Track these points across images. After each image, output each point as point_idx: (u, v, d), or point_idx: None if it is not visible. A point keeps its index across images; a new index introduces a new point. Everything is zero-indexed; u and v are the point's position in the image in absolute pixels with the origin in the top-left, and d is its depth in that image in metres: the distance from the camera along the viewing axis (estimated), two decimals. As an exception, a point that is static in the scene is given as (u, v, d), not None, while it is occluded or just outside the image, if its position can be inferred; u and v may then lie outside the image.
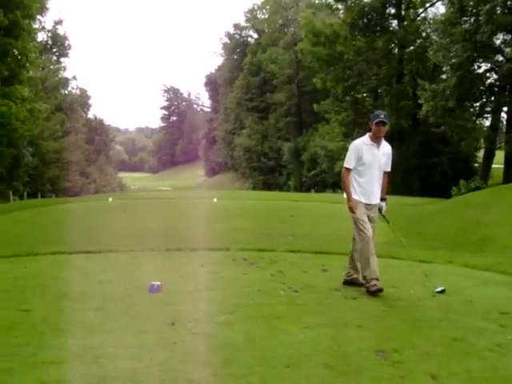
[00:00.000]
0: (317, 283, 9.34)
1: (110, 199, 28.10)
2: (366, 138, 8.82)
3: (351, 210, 8.72)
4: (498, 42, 41.91)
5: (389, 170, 9.08)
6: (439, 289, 8.78)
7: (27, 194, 49.79)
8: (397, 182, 46.54)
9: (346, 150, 38.43)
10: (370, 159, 8.69)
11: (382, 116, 8.68)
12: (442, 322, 7.26)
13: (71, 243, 14.06)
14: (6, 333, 6.51)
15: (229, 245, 13.02)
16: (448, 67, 40.42)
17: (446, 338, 6.58)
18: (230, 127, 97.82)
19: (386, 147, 8.93)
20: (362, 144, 8.76)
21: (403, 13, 52.63)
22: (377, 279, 8.61)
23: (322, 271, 10.46)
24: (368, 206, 8.86)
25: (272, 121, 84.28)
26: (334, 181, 62.04)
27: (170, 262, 11.07)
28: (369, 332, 6.76)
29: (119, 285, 9.01)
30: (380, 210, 9.15)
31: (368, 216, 8.84)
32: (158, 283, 8.45)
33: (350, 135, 53.19)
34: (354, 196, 8.76)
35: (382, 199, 9.12)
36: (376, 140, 8.71)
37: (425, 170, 46.68)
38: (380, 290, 8.52)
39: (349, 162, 8.75)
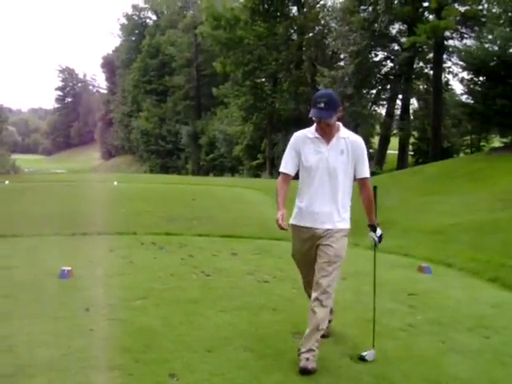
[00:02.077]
0: (228, 267, 9.37)
1: (7, 182, 27.19)
2: (312, 129, 5.53)
3: (279, 223, 5.41)
4: (394, 32, 43.13)
5: (364, 175, 5.59)
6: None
7: None
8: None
9: (244, 134, 38.09)
10: (312, 160, 5.47)
11: (322, 104, 5.26)
12: (354, 304, 7.44)
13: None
14: None
15: (135, 229, 12.86)
16: (346, 55, 41.20)
17: (359, 320, 6.75)
18: (128, 110, 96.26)
19: (345, 141, 5.49)
20: (303, 137, 5.57)
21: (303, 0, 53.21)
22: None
23: (231, 255, 10.50)
24: (311, 232, 5.56)
25: (170, 104, 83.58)
26: (232, 165, 62.37)
27: (78, 247, 10.84)
28: (284, 315, 6.85)
29: (27, 270, 8.73)
30: (373, 241, 5.95)
31: (317, 246, 5.57)
32: (69, 268, 8.27)
33: (249, 119, 53.50)
34: (292, 217, 5.73)
35: (370, 226, 5.81)
36: (323, 131, 5.44)
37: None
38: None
39: (283, 162, 5.61)
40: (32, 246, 10.95)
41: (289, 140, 5.65)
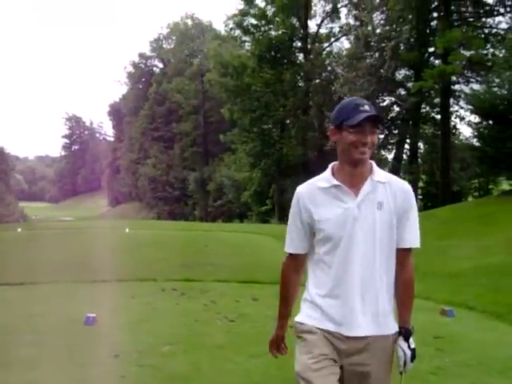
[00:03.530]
0: (251, 312, 9.37)
1: (19, 229, 27.30)
2: (327, 174, 3.41)
3: (271, 349, 4.10)
4: (400, 77, 43.52)
5: (411, 244, 3.36)
6: None
7: None
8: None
9: (252, 180, 37.73)
10: (331, 223, 3.29)
11: (367, 106, 3.21)
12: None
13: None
14: None
15: (154, 275, 12.89)
16: (354, 100, 41.46)
17: (388, 365, 6.71)
18: (135, 157, 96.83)
19: (384, 188, 3.33)
20: (311, 190, 3.39)
21: (309, 46, 53.81)
22: None
23: (252, 300, 10.49)
24: (335, 341, 3.32)
25: (177, 150, 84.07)
26: (240, 211, 62.37)
27: (99, 294, 10.88)
28: (313, 360, 6.81)
29: (52, 317, 8.77)
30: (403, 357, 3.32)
31: (342, 367, 3.33)
32: (94, 315, 8.28)
33: (257, 165, 53.68)
34: (302, 315, 3.50)
35: (403, 330, 3.38)
36: (350, 173, 3.32)
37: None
38: None
39: (287, 238, 3.55)
40: (52, 293, 10.99)
41: (295, 190, 3.40)
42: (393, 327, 3.28)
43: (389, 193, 3.26)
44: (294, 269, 3.47)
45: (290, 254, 3.47)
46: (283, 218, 49.52)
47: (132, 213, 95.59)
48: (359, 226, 3.19)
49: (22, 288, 11.55)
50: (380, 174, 3.31)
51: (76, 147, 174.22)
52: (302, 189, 3.41)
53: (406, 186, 3.35)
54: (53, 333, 7.80)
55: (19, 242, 22.77)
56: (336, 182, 3.23)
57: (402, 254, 3.29)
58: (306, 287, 3.43)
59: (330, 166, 3.38)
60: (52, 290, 11.20)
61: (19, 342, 7.34)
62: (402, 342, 3.30)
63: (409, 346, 3.27)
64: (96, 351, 6.96)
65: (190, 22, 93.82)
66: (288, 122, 54.78)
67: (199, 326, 8.31)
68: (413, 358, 3.29)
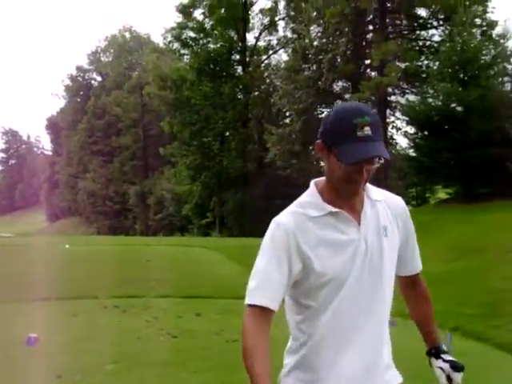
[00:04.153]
0: (194, 328, 9.38)
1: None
2: (314, 198, 2.46)
3: None
4: (338, 89, 44.17)
5: (419, 267, 2.81)
6: None
7: None
8: (244, 225, 47.41)
9: (192, 193, 37.59)
10: (338, 269, 2.38)
11: (369, 129, 2.26)
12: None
13: None
14: None
15: (96, 292, 12.76)
16: (293, 112, 41.93)
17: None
18: (74, 171, 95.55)
19: (383, 208, 2.56)
20: (302, 224, 2.39)
21: (248, 59, 54.13)
22: None
23: (195, 315, 10.49)
24: None
25: (117, 164, 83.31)
26: (181, 224, 62.11)
27: (40, 313, 10.70)
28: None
29: (-10, 338, 8.62)
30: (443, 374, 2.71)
31: None
32: (35, 335, 8.18)
33: (197, 178, 53.63)
34: (291, 379, 2.60)
35: (433, 350, 2.79)
36: (348, 199, 2.44)
37: (271, 212, 47.15)
38: None
39: (253, 284, 2.43)
40: (-8, 313, 10.79)
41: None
42: (399, 376, 2.67)
43: (389, 213, 2.55)
44: (259, 326, 2.39)
45: (258, 308, 2.37)
46: (224, 230, 49.63)
47: (71, 228, 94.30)
48: (367, 262, 2.41)
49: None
50: (375, 191, 2.56)
51: (13, 161, 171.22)
52: (287, 221, 2.39)
53: (401, 200, 2.69)
54: (-7, 355, 7.68)
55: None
56: (333, 209, 2.38)
57: (415, 278, 2.79)
58: (292, 334, 2.60)
59: (313, 183, 2.50)
60: (-9, 311, 11.01)
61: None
62: (435, 362, 2.74)
63: (444, 360, 2.72)
64: (39, 372, 6.88)
65: (128, 34, 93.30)
66: (228, 134, 54.90)
67: (142, 344, 8.28)
68: (456, 368, 2.70)
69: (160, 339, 8.56)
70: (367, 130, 2.26)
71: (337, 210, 2.39)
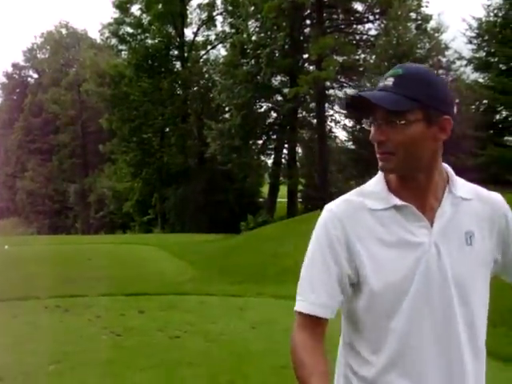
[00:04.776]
0: (137, 325, 9.38)
1: None
2: (378, 186, 2.02)
3: None
4: (277, 83, 44.37)
5: None
6: None
7: None
8: (185, 221, 47.33)
9: (133, 189, 37.39)
10: (397, 276, 1.91)
11: (391, 80, 1.89)
12: (268, 352, 7.61)
13: None
14: None
15: (37, 292, 12.61)
16: (232, 107, 41.95)
17: (274, 367, 6.93)
18: (11, 170, 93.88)
19: (470, 208, 2.02)
20: (358, 215, 1.98)
21: (186, 54, 53.86)
22: None
23: (138, 313, 10.47)
24: None
25: (56, 162, 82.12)
26: (122, 221, 61.64)
27: (-22, 316, 10.56)
28: (201, 368, 6.97)
29: None
30: None
31: None
32: (-26, 338, 8.08)
33: (138, 175, 53.29)
34: None
35: None
36: (420, 191, 1.97)
37: (213, 207, 47.64)
38: None
39: (304, 287, 2.01)
40: None
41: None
42: None
43: (481, 216, 2.02)
44: (312, 340, 1.95)
45: (309, 318, 1.97)
46: (166, 226, 49.47)
47: (10, 228, 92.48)
48: (437, 275, 1.92)
49: None
50: (462, 186, 2.05)
51: None
52: (337, 209, 2.00)
53: (502, 200, 2.11)
54: None
55: None
56: (398, 202, 1.93)
57: None
58: (339, 359, 2.12)
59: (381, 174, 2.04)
60: None
61: None
62: None
63: None
64: (-21, 376, 6.80)
65: (64, 30, 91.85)
66: (167, 130, 54.58)
67: (85, 343, 8.25)
68: None
69: (103, 338, 8.55)
70: (388, 80, 1.89)
71: (404, 203, 1.93)
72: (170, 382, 6.45)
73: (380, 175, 2.02)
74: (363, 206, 1.97)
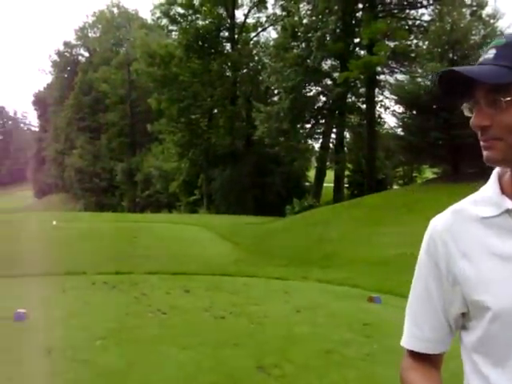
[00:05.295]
0: (183, 304, 9.41)
1: None
2: (492, 190, 1.64)
3: None
4: (327, 67, 44.04)
5: None
6: None
7: None
8: (231, 202, 47.45)
9: (180, 170, 37.64)
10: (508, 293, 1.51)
11: (492, 53, 1.55)
12: (312, 336, 7.57)
13: None
14: None
15: (84, 268, 12.77)
16: (281, 90, 41.80)
17: (319, 351, 6.89)
18: (61, 147, 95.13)
19: None
20: (465, 227, 1.63)
21: (236, 36, 53.80)
22: None
23: (184, 292, 10.53)
24: None
25: (104, 141, 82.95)
26: (168, 201, 62.05)
27: (28, 288, 10.70)
28: (246, 349, 6.94)
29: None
30: None
31: None
32: (24, 311, 8.18)
33: (185, 155, 53.56)
34: None
35: None
36: None
37: (259, 190, 47.72)
38: None
39: (408, 320, 1.74)
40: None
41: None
42: None
43: None
44: (419, 375, 1.69)
45: (413, 354, 1.73)
46: (211, 207, 49.65)
47: (58, 204, 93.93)
48: None
49: None
50: None
51: (0, 137, 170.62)
52: (441, 223, 1.69)
53: None
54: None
55: None
56: (511, 205, 1.58)
57: None
58: None
59: (495, 172, 1.70)
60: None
61: None
62: None
63: None
64: (28, 348, 6.89)
65: (116, 10, 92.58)
66: (216, 111, 54.70)
67: (131, 319, 8.31)
68: None
69: (149, 315, 8.59)
70: (489, 53, 1.56)
71: None
72: (215, 362, 6.44)
73: (494, 176, 1.68)
74: (474, 214, 1.64)
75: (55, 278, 11.81)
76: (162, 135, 60.36)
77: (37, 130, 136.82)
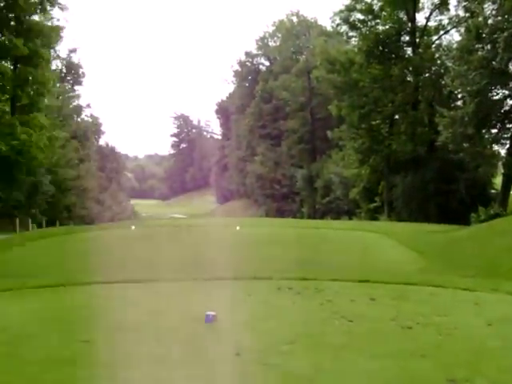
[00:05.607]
0: (368, 312, 9.30)
1: (133, 227, 28.15)
2: None
3: None
4: (514, 69, 42.16)
5: None
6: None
7: (46, 222, 49.85)
8: (413, 209, 46.57)
9: (360, 176, 37.92)
10: None
11: None
12: (505, 351, 7.22)
13: (107, 272, 14.08)
14: (73, 364, 6.50)
15: (270, 273, 12.97)
16: (465, 94, 40.48)
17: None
18: (242, 154, 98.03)
19: None
20: None
21: (418, 40, 52.85)
22: None
23: (370, 300, 10.39)
24: None
25: (285, 148, 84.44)
26: (348, 208, 61.98)
27: (216, 292, 11.04)
28: (434, 361, 6.72)
29: (172, 315, 9.01)
30: None
31: None
32: (213, 313, 8.43)
33: (365, 162, 53.28)
34: None
35: None
36: None
37: (442, 197, 46.45)
38: None
39: None
40: (171, 291, 11.28)
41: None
42: None
43: None
44: None
45: None
46: (392, 214, 48.97)
47: (240, 210, 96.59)
48: None
49: (142, 286, 11.91)
50: None
51: (184, 145, 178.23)
52: None
53: None
54: (175, 330, 8.01)
55: (134, 239, 23.45)
56: None
57: None
58: None
59: None
60: (170, 288, 11.49)
61: (143, 339, 7.57)
62: None
63: None
64: (218, 349, 7.08)
65: (295, 19, 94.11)
66: (397, 117, 53.98)
67: (317, 326, 8.32)
68: None
69: (335, 322, 8.55)
70: None
71: None
72: (403, 373, 6.29)
73: None
74: None
75: (242, 282, 12.09)
76: (342, 142, 60.42)
77: (219, 137, 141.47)
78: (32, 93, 46.65)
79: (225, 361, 6.57)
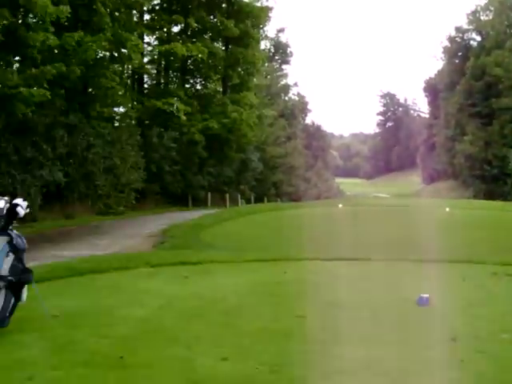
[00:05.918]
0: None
1: (340, 205, 28.40)
2: None
3: None
4: None
5: None
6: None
7: (254, 198, 51.45)
8: None
9: None
10: None
11: None
12: None
13: (316, 249, 14.26)
14: (287, 338, 6.66)
15: (483, 257, 12.54)
16: None
17: None
18: (451, 133, 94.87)
19: None
20: None
21: None
22: None
23: None
24: None
25: (496, 127, 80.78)
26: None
27: (429, 274, 10.84)
28: None
29: (384, 294, 8.99)
30: None
31: None
32: (427, 296, 8.29)
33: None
34: None
35: None
36: None
37: None
38: None
39: None
40: (383, 270, 11.28)
41: None
42: None
43: None
44: None
45: None
46: None
47: (445, 191, 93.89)
48: None
49: (354, 264, 12.00)
50: None
51: (390, 124, 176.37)
52: None
53: None
54: (388, 310, 7.99)
55: (343, 217, 23.63)
56: None
57: None
58: None
59: None
60: (382, 268, 11.48)
61: (356, 317, 7.62)
62: None
63: None
64: (431, 333, 6.96)
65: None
66: None
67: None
68: None
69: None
70: None
71: None
72: None
73: None
74: None
75: (455, 266, 11.79)
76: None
77: (427, 116, 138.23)
78: (242, 72, 48.60)
79: (439, 345, 6.42)
